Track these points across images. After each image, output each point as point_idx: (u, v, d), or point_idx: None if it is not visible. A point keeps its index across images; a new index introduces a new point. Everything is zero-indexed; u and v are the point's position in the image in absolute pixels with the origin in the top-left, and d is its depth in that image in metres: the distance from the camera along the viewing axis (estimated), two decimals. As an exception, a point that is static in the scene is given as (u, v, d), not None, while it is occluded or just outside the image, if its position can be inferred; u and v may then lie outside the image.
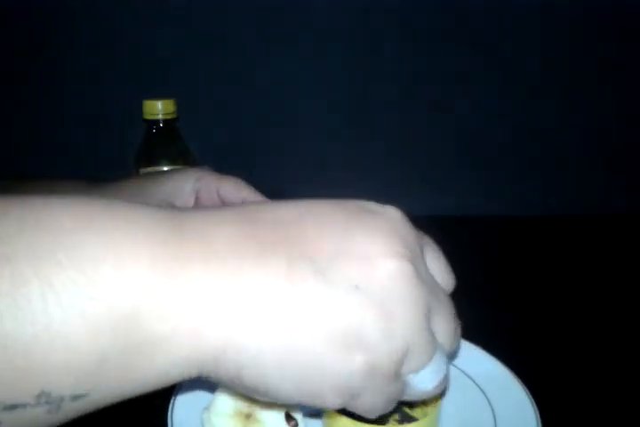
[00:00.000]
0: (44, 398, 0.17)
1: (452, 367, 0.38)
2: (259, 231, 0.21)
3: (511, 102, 0.79)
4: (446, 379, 0.24)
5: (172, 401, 0.33)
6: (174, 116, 0.59)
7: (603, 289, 0.57)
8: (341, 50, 0.76)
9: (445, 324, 0.23)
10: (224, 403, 0.30)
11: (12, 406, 0.17)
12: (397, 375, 0.22)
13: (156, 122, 0.58)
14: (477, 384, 0.36)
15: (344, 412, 0.33)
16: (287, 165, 0.80)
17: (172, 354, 0.19)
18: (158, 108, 0.57)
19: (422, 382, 0.23)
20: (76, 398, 0.18)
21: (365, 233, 0.22)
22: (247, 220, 0.22)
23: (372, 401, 0.22)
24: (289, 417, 0.30)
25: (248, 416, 0.30)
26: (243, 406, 0.30)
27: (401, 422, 0.33)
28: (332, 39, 0.76)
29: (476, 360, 0.38)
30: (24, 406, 0.17)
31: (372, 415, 0.23)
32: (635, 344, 0.46)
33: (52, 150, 0.77)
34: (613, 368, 0.42)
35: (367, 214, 0.23)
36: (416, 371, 0.22)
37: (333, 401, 0.22)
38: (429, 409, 0.34)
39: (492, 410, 0.33)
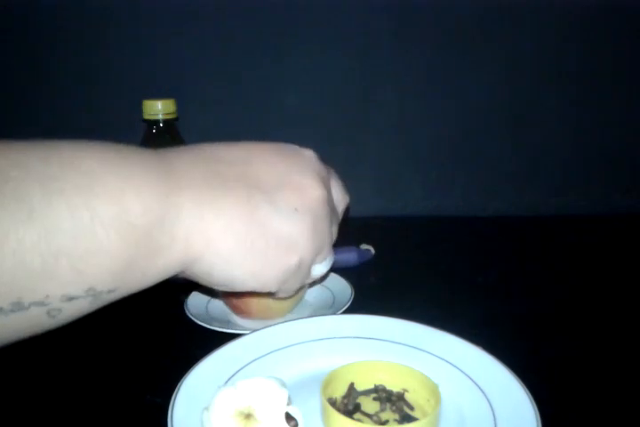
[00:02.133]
0: (91, 291, 0.24)
1: (452, 367, 0.38)
2: (222, 169, 0.30)
3: (511, 102, 0.79)
4: (330, 263, 0.36)
5: (171, 401, 0.33)
6: (174, 116, 0.59)
7: (603, 289, 0.57)
8: (342, 50, 0.76)
9: (337, 227, 0.36)
10: (224, 403, 0.30)
11: (71, 298, 0.24)
12: (311, 266, 0.34)
13: (156, 122, 0.58)
14: (477, 384, 0.36)
15: (344, 412, 0.33)
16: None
17: (170, 257, 0.27)
18: (158, 108, 0.57)
19: (320, 269, 0.36)
20: (110, 291, 0.25)
21: (298, 170, 0.32)
22: (212, 159, 0.30)
23: (293, 285, 0.34)
24: (289, 417, 0.30)
25: (248, 416, 0.30)
26: (243, 406, 0.30)
27: (401, 422, 0.33)
28: (333, 39, 0.76)
29: (476, 360, 0.38)
30: (77, 297, 0.24)
31: (289, 294, 0.36)
32: (635, 344, 0.46)
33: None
34: (613, 368, 0.42)
35: (295, 155, 0.34)
36: (319, 262, 0.35)
37: (273, 286, 0.33)
38: (429, 409, 0.34)
39: (492, 410, 0.33)
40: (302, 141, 0.87)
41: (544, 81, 0.78)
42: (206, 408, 0.31)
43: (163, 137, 0.59)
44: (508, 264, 0.65)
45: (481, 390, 0.35)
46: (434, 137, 0.81)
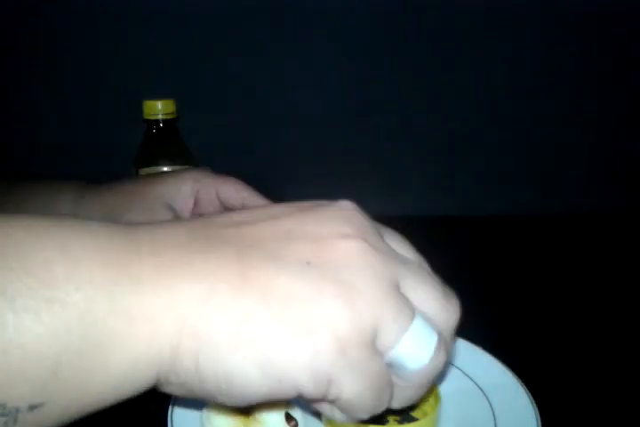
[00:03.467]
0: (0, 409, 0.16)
1: (452, 367, 0.38)
2: (209, 231, 0.21)
3: (511, 102, 0.79)
4: (441, 351, 0.22)
5: (172, 401, 0.33)
6: (174, 116, 0.59)
7: (603, 289, 0.57)
8: (341, 50, 0.76)
9: (423, 292, 0.22)
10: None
11: None
12: (373, 352, 0.20)
13: (156, 122, 0.58)
14: (477, 384, 0.36)
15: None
16: (287, 165, 0.80)
17: (128, 351, 0.18)
18: (158, 108, 0.57)
19: (407, 357, 0.21)
20: (32, 408, 0.17)
21: (317, 219, 0.22)
22: (198, 224, 0.22)
23: (355, 388, 0.20)
24: (289, 417, 0.30)
25: (248, 416, 0.30)
26: (243, 406, 0.30)
27: (401, 422, 0.33)
28: (333, 39, 0.76)
29: (476, 360, 0.38)
30: None
31: (364, 412, 0.21)
32: (635, 344, 0.46)
33: (52, 150, 0.77)
34: (613, 368, 0.42)
35: (319, 207, 0.24)
36: (393, 345, 0.20)
37: (308, 387, 0.19)
38: (429, 409, 0.34)
39: (492, 410, 0.33)
40: (302, 142, 0.87)
41: (544, 81, 0.78)
42: (206, 408, 0.31)
43: (163, 137, 0.59)
44: (507, 264, 0.65)
45: (481, 390, 0.35)
46: (434, 137, 0.81)
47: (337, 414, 0.22)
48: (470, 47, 0.76)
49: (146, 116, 0.58)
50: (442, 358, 0.22)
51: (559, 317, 0.51)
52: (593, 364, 0.43)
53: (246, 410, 0.30)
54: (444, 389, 0.34)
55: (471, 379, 0.36)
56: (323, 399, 0.21)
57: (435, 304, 0.22)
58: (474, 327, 0.42)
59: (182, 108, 0.60)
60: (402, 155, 0.82)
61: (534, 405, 0.33)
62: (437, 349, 0.21)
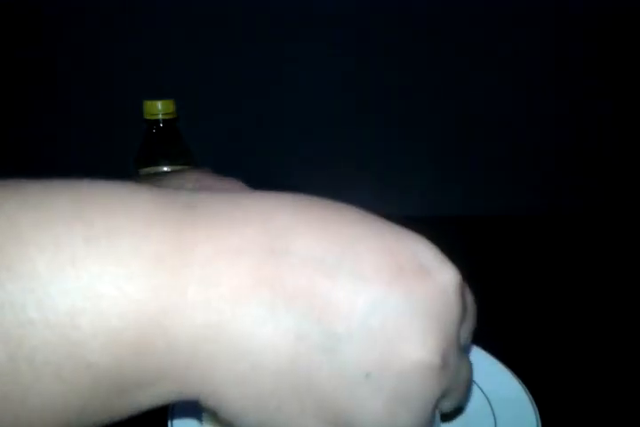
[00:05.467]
0: None
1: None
2: (278, 273, 0.17)
3: (511, 102, 0.79)
4: None
5: (170, 412, 0.33)
6: (174, 116, 0.59)
7: (603, 289, 0.57)
8: (341, 50, 0.76)
9: (454, 402, 0.21)
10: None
11: None
12: None
13: (156, 122, 0.58)
14: (477, 384, 0.36)
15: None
16: (287, 165, 0.80)
17: (156, 394, 0.17)
18: (158, 108, 0.57)
19: None
20: None
21: (407, 313, 0.18)
22: (267, 258, 0.17)
23: None
24: None
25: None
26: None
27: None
28: (333, 39, 0.76)
29: (476, 360, 0.38)
30: None
31: None
32: (635, 344, 0.46)
33: (51, 150, 0.77)
34: (613, 368, 0.42)
35: (417, 279, 0.18)
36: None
37: None
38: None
39: (492, 410, 0.33)
40: (302, 142, 0.87)
41: (544, 81, 0.78)
42: (205, 420, 0.31)
43: (163, 137, 0.59)
44: (507, 264, 0.65)
45: (481, 390, 0.35)
46: (434, 137, 0.81)
47: None
48: (470, 47, 0.76)
49: (146, 116, 0.58)
50: None
51: (559, 317, 0.51)
52: (593, 364, 0.43)
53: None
54: (444, 389, 0.34)
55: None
56: None
57: (454, 406, 0.22)
58: (474, 327, 0.42)
59: (182, 108, 0.60)
60: (402, 155, 0.82)
61: (534, 405, 0.33)
62: None
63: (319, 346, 0.17)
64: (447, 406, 0.21)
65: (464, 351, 0.21)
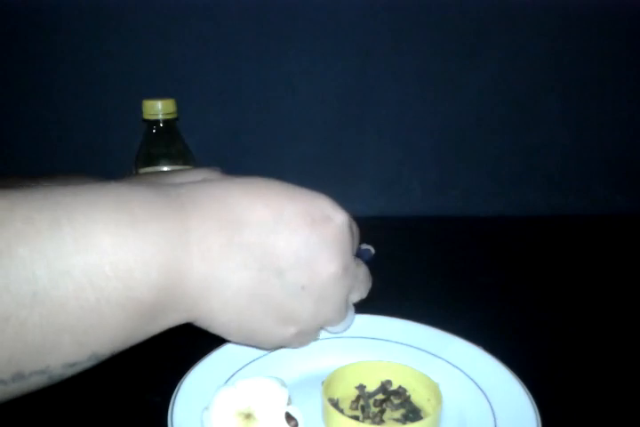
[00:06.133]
0: (93, 357, 0.24)
1: (452, 368, 0.38)
2: (243, 239, 0.28)
3: (511, 102, 0.79)
4: (351, 323, 0.35)
5: (172, 401, 0.33)
6: (174, 116, 0.59)
7: (604, 289, 0.57)
8: (342, 50, 0.76)
9: (359, 293, 0.34)
10: (224, 403, 0.30)
11: (73, 364, 0.24)
12: (316, 332, 0.34)
13: (156, 122, 0.58)
14: (477, 384, 0.36)
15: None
16: (287, 165, 0.80)
17: (171, 320, 0.28)
18: (158, 108, 0.57)
19: (335, 330, 0.35)
20: (112, 352, 0.25)
21: (317, 243, 0.29)
22: (235, 224, 0.28)
23: (298, 345, 0.34)
24: (289, 417, 0.30)
25: (248, 416, 0.30)
26: (243, 406, 0.30)
27: (403, 422, 0.33)
28: (333, 39, 0.76)
29: (477, 360, 0.38)
30: (79, 363, 0.24)
31: (300, 347, 0.34)
32: (636, 345, 0.46)
33: (51, 150, 0.78)
34: (613, 368, 0.42)
35: (324, 223, 0.30)
36: (332, 326, 0.34)
37: (269, 349, 0.37)
38: (430, 409, 0.34)
39: (493, 410, 0.33)
40: (302, 142, 0.87)
41: (544, 81, 0.78)
42: (206, 408, 0.31)
43: (163, 137, 0.59)
44: (507, 264, 0.65)
45: (481, 390, 0.35)
46: (434, 137, 0.81)
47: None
48: (471, 47, 0.76)
49: (146, 116, 0.58)
50: (345, 328, 0.35)
51: (559, 317, 0.51)
52: (593, 364, 0.43)
53: (246, 410, 0.30)
54: (445, 389, 0.34)
55: (471, 379, 0.36)
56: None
57: (360, 297, 0.35)
58: (474, 327, 0.42)
59: (182, 108, 0.60)
60: (402, 155, 0.82)
61: (534, 405, 0.33)
62: (351, 324, 0.35)
63: (273, 275, 0.28)
64: (354, 297, 0.34)
65: (359, 260, 0.34)
